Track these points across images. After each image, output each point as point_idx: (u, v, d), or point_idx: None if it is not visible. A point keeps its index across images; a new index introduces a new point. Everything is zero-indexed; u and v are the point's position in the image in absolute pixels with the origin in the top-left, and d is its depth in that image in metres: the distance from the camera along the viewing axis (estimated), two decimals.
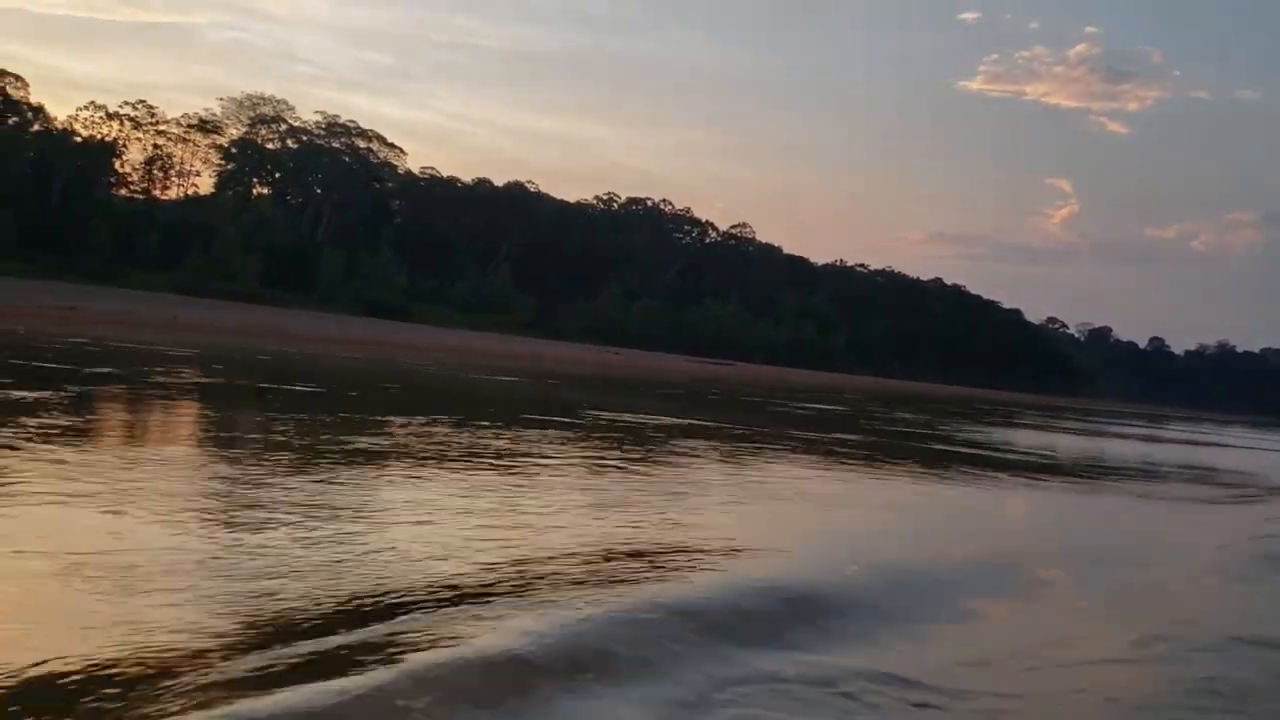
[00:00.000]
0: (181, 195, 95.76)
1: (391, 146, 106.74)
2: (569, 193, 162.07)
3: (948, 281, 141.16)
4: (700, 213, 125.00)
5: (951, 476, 16.65)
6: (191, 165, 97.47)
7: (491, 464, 11.47)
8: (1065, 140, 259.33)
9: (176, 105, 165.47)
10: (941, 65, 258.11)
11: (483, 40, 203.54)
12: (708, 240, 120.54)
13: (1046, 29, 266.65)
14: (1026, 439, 31.98)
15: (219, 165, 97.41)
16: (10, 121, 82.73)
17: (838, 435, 23.73)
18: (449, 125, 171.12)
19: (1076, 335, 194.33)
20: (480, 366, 40.21)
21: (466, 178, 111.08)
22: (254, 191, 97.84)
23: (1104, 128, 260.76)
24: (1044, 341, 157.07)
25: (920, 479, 16.06)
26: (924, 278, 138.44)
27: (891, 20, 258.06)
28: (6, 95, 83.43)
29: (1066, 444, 33.11)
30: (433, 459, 11.47)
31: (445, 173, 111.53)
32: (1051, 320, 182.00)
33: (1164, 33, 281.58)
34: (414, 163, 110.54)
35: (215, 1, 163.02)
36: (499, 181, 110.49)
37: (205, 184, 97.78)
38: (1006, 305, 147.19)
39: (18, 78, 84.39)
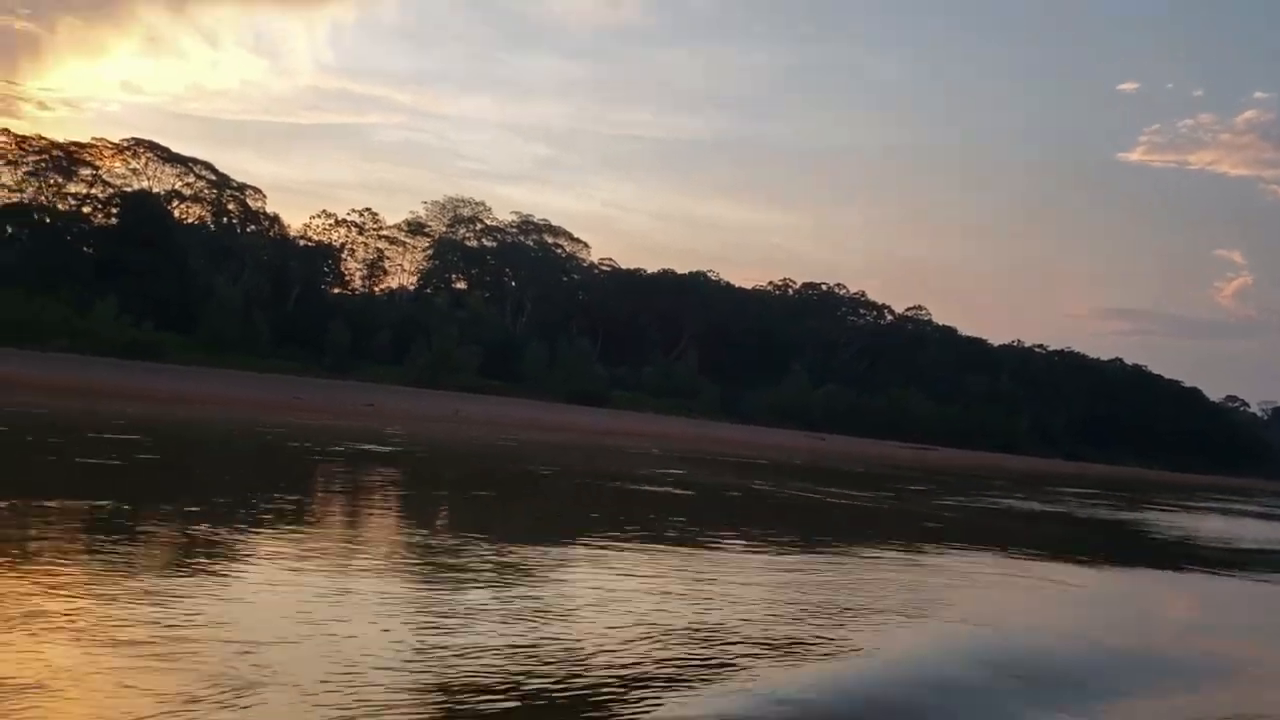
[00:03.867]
0: (386, 289, 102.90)
1: (576, 240, 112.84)
2: (731, 277, 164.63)
3: (1127, 360, 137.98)
4: (869, 291, 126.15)
5: None
6: (398, 262, 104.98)
7: None
8: (1234, 210, 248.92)
9: (351, 201, 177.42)
10: (1100, 138, 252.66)
11: (639, 130, 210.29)
12: (884, 323, 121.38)
13: (1211, 97, 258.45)
14: None
15: (423, 262, 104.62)
16: (249, 230, 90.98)
17: None
18: (608, 213, 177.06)
19: (1259, 414, 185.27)
20: (740, 458, 42.36)
21: (644, 266, 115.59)
22: (454, 285, 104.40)
23: (1276, 195, 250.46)
24: (1228, 420, 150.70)
25: None
26: (1090, 353, 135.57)
27: (1050, 93, 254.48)
28: (247, 206, 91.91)
29: None
30: None
31: (612, 259, 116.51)
32: (1231, 398, 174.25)
33: None
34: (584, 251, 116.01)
35: (387, 104, 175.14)
36: (680, 270, 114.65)
37: (406, 278, 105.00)
38: (1185, 384, 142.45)
39: (256, 190, 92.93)
